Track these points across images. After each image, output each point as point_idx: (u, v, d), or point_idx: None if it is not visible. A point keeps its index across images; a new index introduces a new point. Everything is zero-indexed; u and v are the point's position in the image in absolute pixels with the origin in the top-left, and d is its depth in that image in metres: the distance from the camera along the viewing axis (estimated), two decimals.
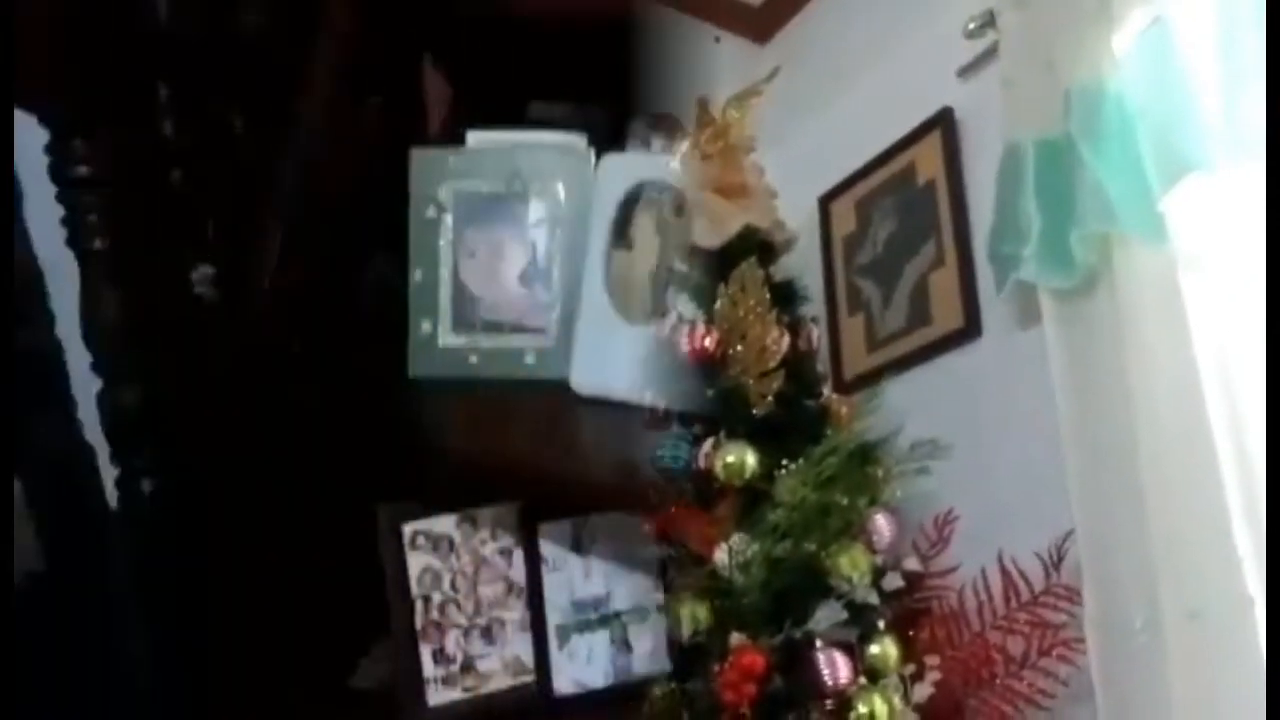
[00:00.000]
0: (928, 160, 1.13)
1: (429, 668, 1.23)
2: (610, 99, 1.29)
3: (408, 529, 1.28)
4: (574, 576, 1.30)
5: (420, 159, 1.22)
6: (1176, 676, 0.84)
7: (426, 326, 1.22)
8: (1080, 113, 0.89)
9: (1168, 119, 0.85)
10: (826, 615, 0.91)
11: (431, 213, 1.21)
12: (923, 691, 0.94)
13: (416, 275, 1.21)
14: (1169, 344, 0.86)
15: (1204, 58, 0.84)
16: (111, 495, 1.79)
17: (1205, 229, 0.87)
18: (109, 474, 1.78)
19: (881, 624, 0.93)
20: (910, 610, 0.97)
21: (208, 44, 1.46)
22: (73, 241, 1.59)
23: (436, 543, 1.28)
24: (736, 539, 0.92)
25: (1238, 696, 0.81)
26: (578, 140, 1.25)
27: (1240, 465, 0.84)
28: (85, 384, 1.74)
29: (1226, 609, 0.82)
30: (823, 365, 1.07)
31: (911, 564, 0.98)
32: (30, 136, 1.59)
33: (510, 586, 1.30)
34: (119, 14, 1.45)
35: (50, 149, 1.55)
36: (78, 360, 1.75)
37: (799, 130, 1.25)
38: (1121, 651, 0.90)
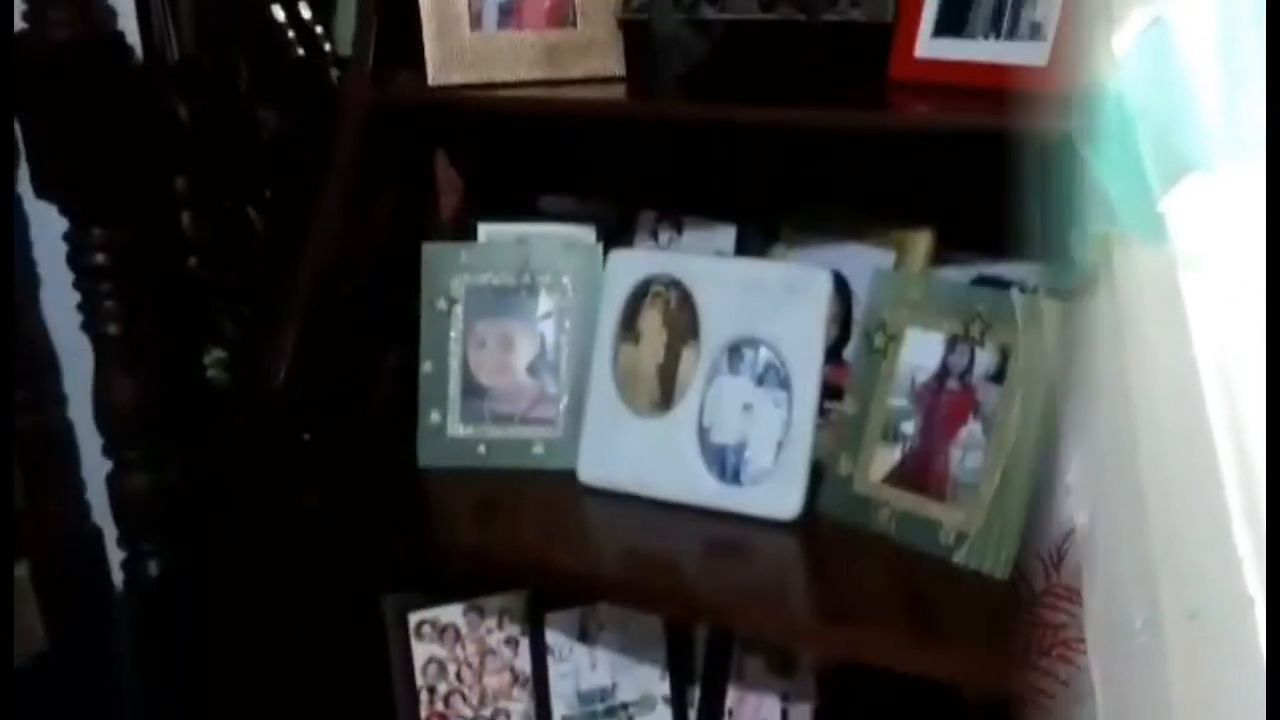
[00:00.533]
0: None
1: None
2: (618, 192, 1.32)
3: (413, 618, 1.28)
4: (580, 667, 1.30)
5: (432, 253, 1.24)
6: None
7: (435, 417, 1.23)
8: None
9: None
10: None
11: (443, 305, 1.24)
12: None
13: (427, 366, 1.23)
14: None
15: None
16: (118, 577, 1.80)
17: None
18: (116, 556, 1.80)
19: None
20: None
21: (226, 140, 1.50)
22: (88, 326, 1.63)
23: (442, 632, 1.28)
24: None
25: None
26: (586, 233, 1.27)
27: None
28: (95, 466, 1.76)
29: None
30: None
31: None
32: (50, 224, 1.63)
33: (516, 677, 1.30)
34: (140, 110, 1.50)
35: (69, 237, 1.59)
36: (88, 442, 1.77)
37: None
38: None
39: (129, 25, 1.54)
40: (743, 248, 1.25)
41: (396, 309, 1.27)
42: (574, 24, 1.20)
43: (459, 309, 1.24)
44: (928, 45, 1.09)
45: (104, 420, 1.65)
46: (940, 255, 1.16)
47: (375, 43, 1.20)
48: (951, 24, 1.07)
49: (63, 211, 1.57)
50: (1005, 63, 1.02)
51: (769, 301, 1.12)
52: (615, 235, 1.30)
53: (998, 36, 1.04)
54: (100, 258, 1.57)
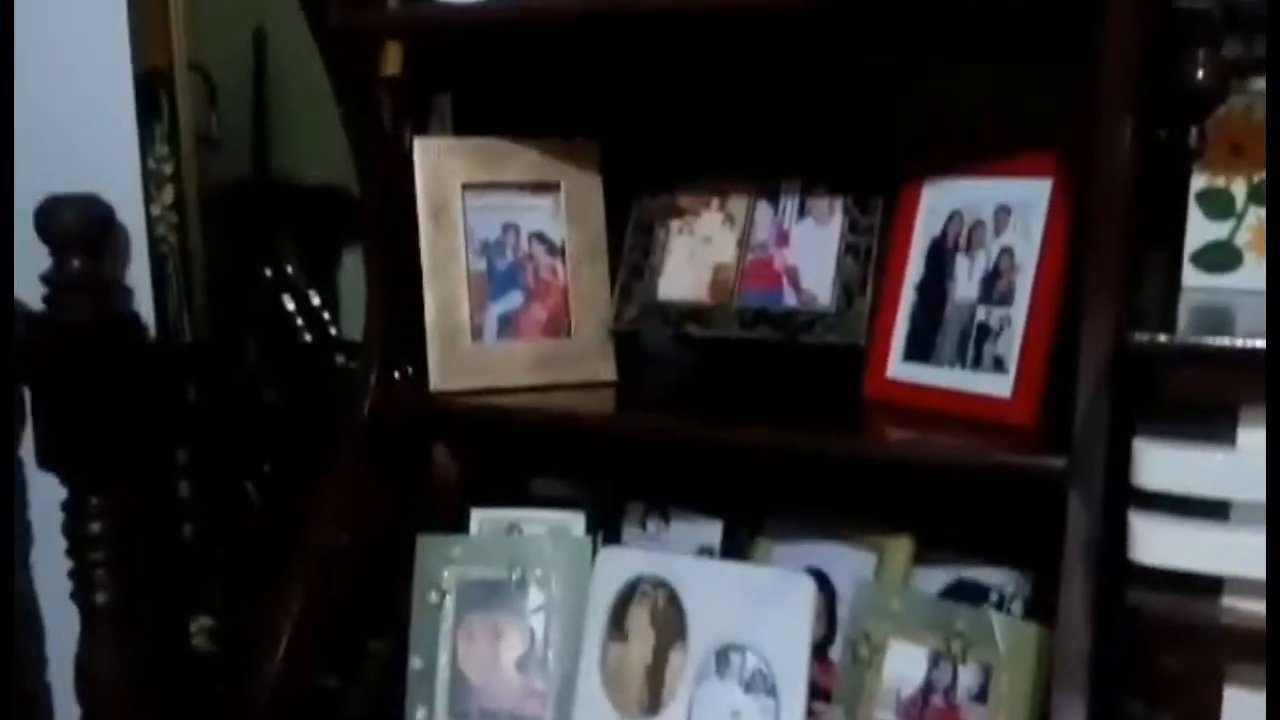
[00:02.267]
0: None
1: None
2: (609, 480, 1.37)
3: None
4: None
5: (426, 545, 1.28)
6: None
7: (422, 713, 1.23)
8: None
9: None
10: None
11: (434, 598, 1.26)
12: None
13: (416, 663, 1.24)
14: None
15: None
16: None
17: None
18: None
19: None
20: None
21: (230, 416, 1.56)
22: (77, 595, 1.63)
23: None
24: None
25: None
26: (577, 523, 1.31)
27: None
28: None
29: None
30: None
31: None
32: (49, 490, 1.66)
33: None
34: (149, 388, 1.57)
35: (66, 505, 1.62)
36: (65, 707, 1.74)
37: None
38: None
39: (144, 307, 1.62)
40: (729, 542, 1.30)
41: (385, 599, 1.29)
42: (569, 334, 1.29)
43: (450, 601, 1.26)
44: (899, 368, 1.17)
45: (84, 690, 1.63)
46: (921, 555, 1.20)
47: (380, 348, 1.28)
48: (920, 351, 1.15)
49: (63, 481, 1.61)
50: (971, 391, 1.10)
51: (756, 606, 1.15)
52: (605, 521, 1.34)
53: (963, 366, 1.12)
54: (96, 527, 1.59)
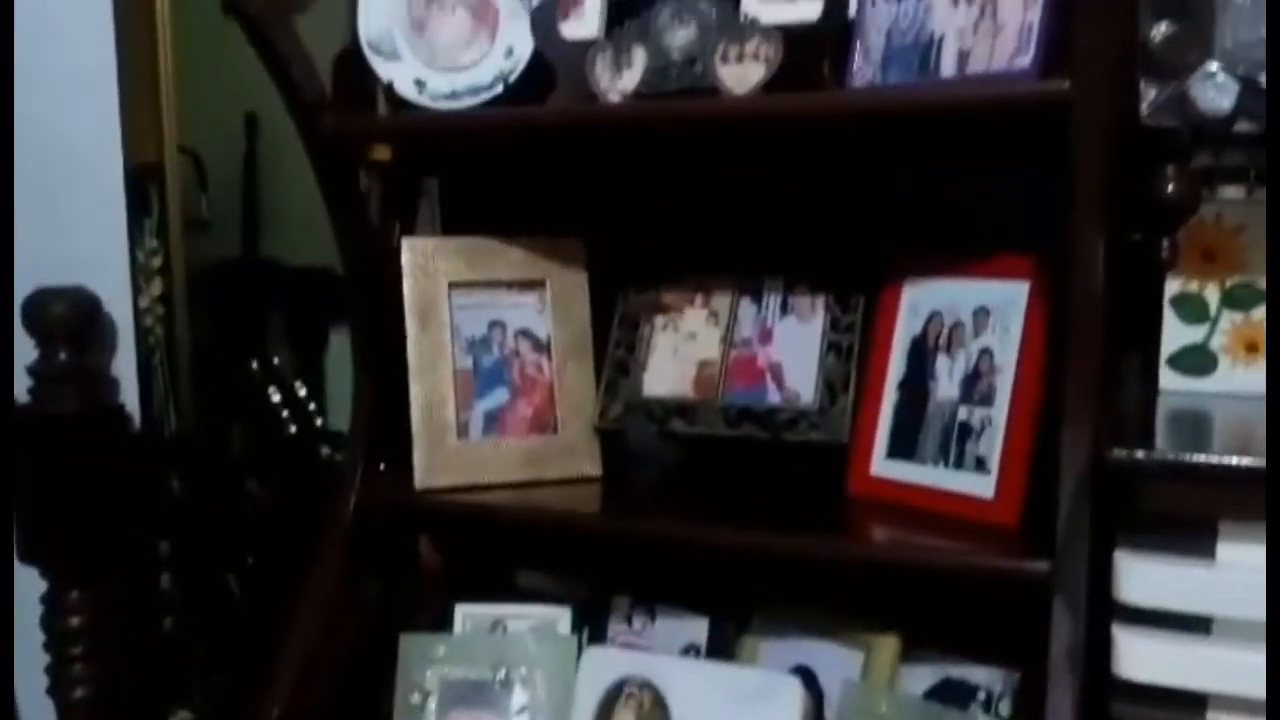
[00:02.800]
0: None
1: None
2: (595, 575, 1.37)
3: None
4: None
5: (409, 645, 1.27)
6: None
7: None
8: None
9: None
10: None
11: (416, 699, 1.24)
12: None
13: None
14: None
15: None
16: None
17: None
18: None
19: None
20: None
21: (214, 508, 1.55)
22: (54, 690, 1.61)
23: None
24: None
25: None
26: (563, 619, 1.30)
27: None
28: None
29: None
30: None
31: None
32: (29, 584, 1.64)
33: None
34: (133, 480, 1.56)
35: (45, 598, 1.60)
36: None
37: None
38: None
39: (130, 398, 1.62)
40: (715, 639, 1.29)
41: (368, 698, 1.28)
42: (555, 430, 1.29)
43: (432, 703, 1.25)
44: (882, 465, 1.17)
45: None
46: (908, 652, 1.20)
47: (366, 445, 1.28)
48: (903, 448, 1.16)
49: (44, 574, 1.59)
50: (954, 491, 1.11)
51: (742, 708, 1.14)
52: (590, 617, 1.33)
53: (946, 465, 1.12)
54: (75, 621, 1.57)
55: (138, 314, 1.60)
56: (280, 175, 2.10)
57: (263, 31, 1.08)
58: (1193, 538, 0.79)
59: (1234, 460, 0.75)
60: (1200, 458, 0.75)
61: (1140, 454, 0.77)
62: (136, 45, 1.58)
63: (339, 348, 2.01)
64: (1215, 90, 0.83)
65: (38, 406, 1.58)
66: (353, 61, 1.24)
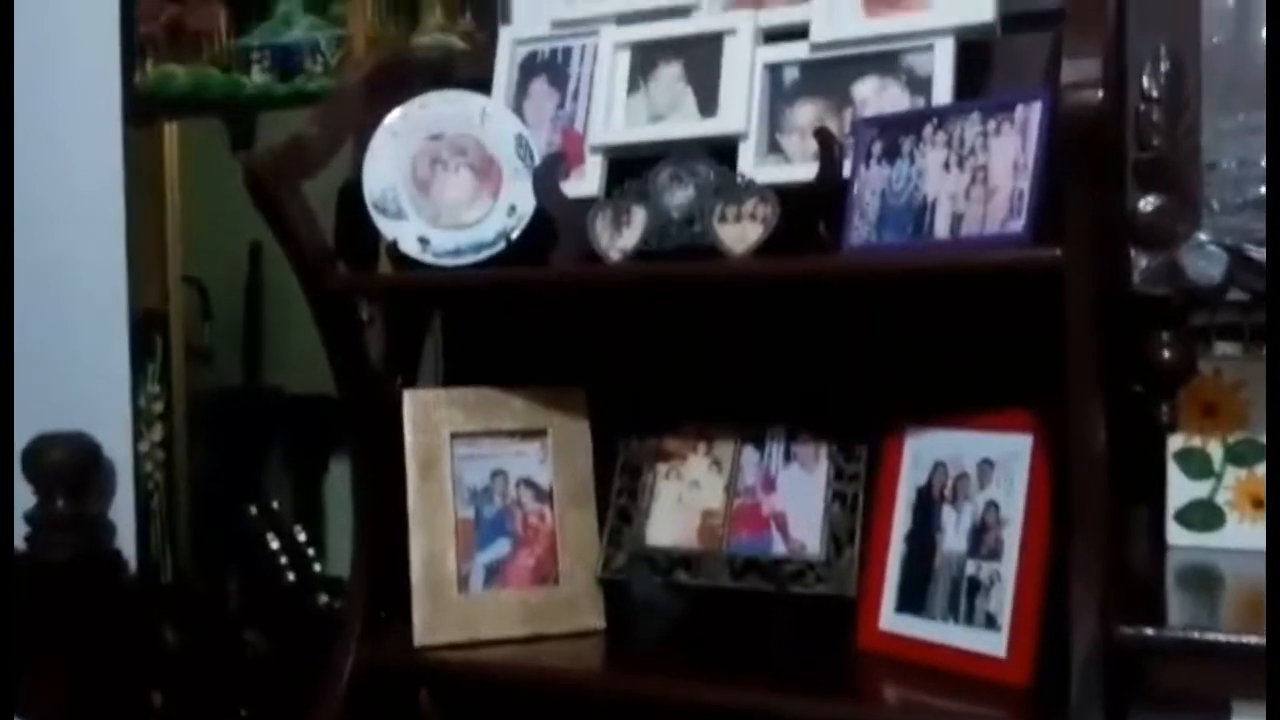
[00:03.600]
0: None
1: None
2: None
3: None
4: None
5: None
6: None
7: None
8: None
9: None
10: None
11: None
12: None
13: None
14: None
15: None
16: None
17: None
18: None
19: None
20: None
21: (209, 658, 1.52)
22: None
23: None
24: None
25: None
26: None
27: None
28: None
29: None
30: None
31: None
32: None
33: None
34: (128, 629, 1.53)
35: None
36: None
37: None
38: None
39: (126, 544, 1.61)
40: None
41: None
42: (557, 582, 1.27)
43: None
44: (891, 620, 1.15)
45: None
46: None
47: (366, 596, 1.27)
48: (912, 602, 1.14)
49: None
50: (965, 649, 1.09)
51: None
52: None
53: (956, 620, 1.10)
54: None
55: (137, 459, 1.59)
56: (283, 303, 2.11)
57: (272, 196, 1.10)
58: (1206, 714, 0.78)
59: (1247, 639, 0.73)
60: (1212, 636, 0.74)
61: (1149, 631, 0.76)
62: (144, 189, 1.61)
63: (339, 476, 2.00)
64: (1205, 260, 0.85)
65: (33, 554, 1.57)
66: (354, 199, 1.26)
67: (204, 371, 1.95)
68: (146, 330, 1.60)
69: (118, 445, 1.61)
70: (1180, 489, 1.03)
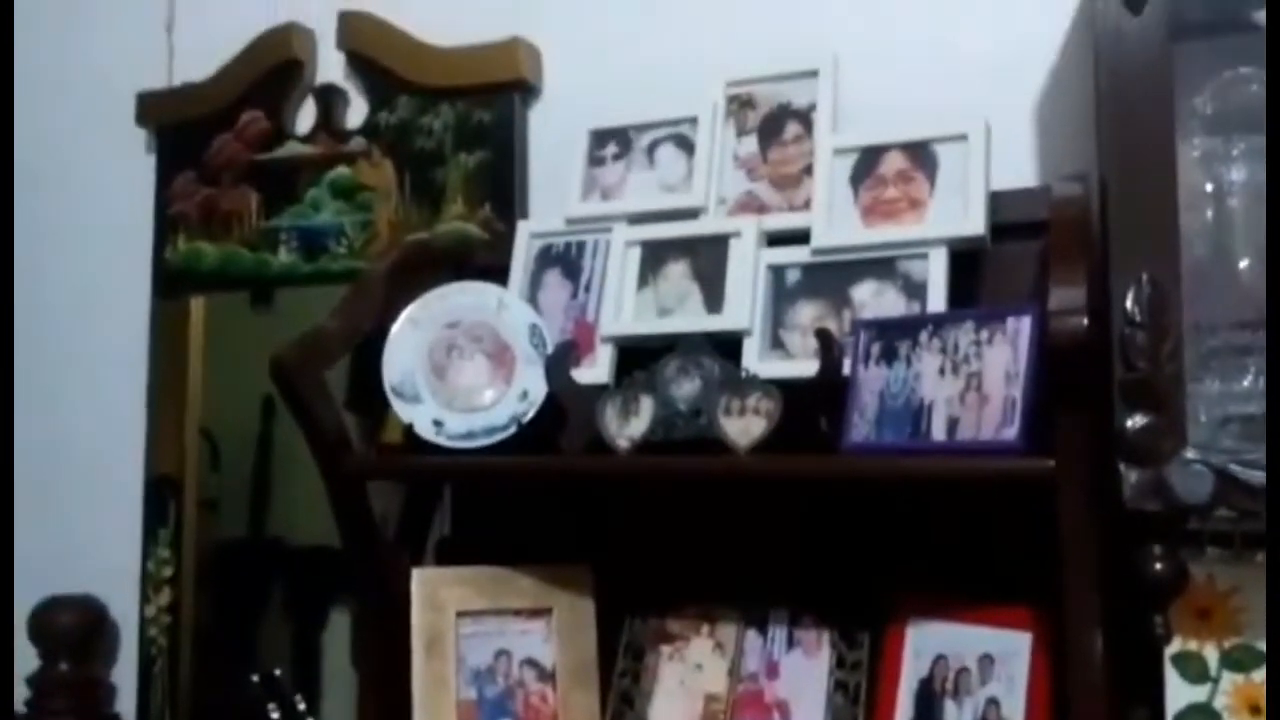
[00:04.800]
0: None
1: None
2: None
3: None
4: None
5: None
6: None
7: None
8: None
9: None
10: None
11: None
12: None
13: None
14: None
15: None
16: None
17: None
18: None
19: None
20: None
21: None
22: None
23: None
24: None
25: None
26: None
27: None
28: None
29: None
30: None
31: None
32: None
33: None
34: None
35: None
36: None
37: None
38: None
39: (127, 707, 1.60)
40: None
41: None
42: None
43: None
44: None
45: None
46: None
47: None
48: None
49: None
50: None
51: None
52: None
53: None
54: None
55: (143, 623, 1.60)
56: (291, 455, 2.15)
57: (295, 386, 1.15)
58: None
59: None
60: None
61: None
62: (168, 360, 1.66)
63: (339, 626, 2.00)
64: (1193, 479, 0.88)
65: (33, 717, 1.56)
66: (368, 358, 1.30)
67: (210, 521, 1.97)
68: (160, 494, 1.63)
69: (125, 608, 1.61)
70: (1178, 692, 1.04)
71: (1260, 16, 1.06)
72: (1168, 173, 0.96)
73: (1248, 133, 1.08)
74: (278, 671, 1.60)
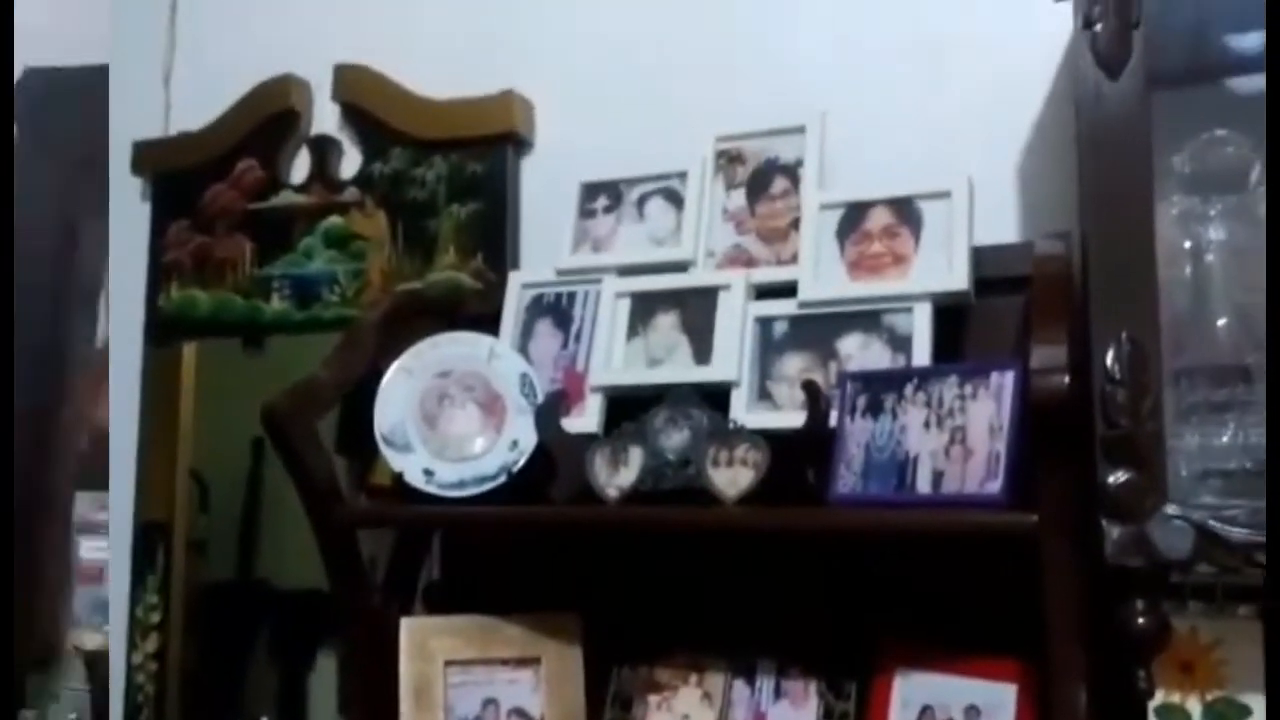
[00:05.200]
0: None
1: None
2: None
3: None
4: None
5: None
6: None
7: None
8: None
9: None
10: None
11: None
12: None
13: None
14: None
15: None
16: None
17: None
18: None
19: None
20: None
21: None
22: None
23: None
24: None
25: None
26: None
27: None
28: None
29: None
30: None
31: None
32: None
33: None
34: None
35: None
36: None
37: None
38: None
39: None
40: None
41: None
42: None
43: None
44: None
45: None
46: None
47: None
48: None
49: None
50: None
51: None
52: None
53: None
54: None
55: (130, 670, 1.59)
56: (279, 498, 2.14)
57: (287, 436, 1.16)
58: None
59: None
60: None
61: None
62: (159, 407, 1.66)
63: (326, 670, 1.99)
64: (1174, 534, 0.90)
65: None
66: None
67: (198, 564, 1.96)
68: (149, 541, 1.63)
69: (112, 657, 1.61)
70: None
71: (1238, 81, 1.11)
72: (1147, 230, 0.98)
73: (1225, 192, 1.10)
74: (264, 719, 1.59)
